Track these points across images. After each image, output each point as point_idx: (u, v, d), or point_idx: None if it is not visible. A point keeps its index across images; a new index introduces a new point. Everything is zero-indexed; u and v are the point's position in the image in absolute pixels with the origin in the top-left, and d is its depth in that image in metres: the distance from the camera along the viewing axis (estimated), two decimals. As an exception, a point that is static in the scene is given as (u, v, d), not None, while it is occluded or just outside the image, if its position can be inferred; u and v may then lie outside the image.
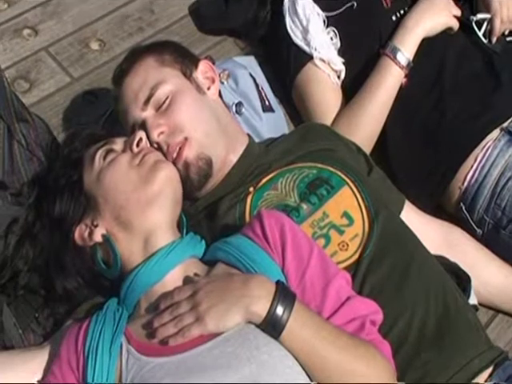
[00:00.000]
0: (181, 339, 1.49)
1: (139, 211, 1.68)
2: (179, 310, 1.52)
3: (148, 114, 1.94)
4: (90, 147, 1.81)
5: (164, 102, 1.94)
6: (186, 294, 1.54)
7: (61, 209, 1.76)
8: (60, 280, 1.78)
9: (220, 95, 2.15)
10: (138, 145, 1.78)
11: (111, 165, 1.74)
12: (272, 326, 1.48)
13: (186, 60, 2.06)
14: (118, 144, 1.81)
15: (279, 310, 1.47)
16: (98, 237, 1.72)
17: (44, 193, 1.85)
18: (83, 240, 1.74)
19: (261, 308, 1.48)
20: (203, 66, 2.10)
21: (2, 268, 1.83)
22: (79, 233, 1.74)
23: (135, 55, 2.05)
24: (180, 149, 1.90)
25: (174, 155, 1.90)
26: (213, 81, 2.09)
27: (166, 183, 1.71)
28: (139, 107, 1.95)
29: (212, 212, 1.92)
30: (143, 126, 1.93)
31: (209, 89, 2.06)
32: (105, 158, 1.76)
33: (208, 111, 2.00)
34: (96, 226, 1.72)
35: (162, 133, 1.91)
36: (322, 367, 1.49)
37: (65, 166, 1.82)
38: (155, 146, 1.90)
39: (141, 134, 1.82)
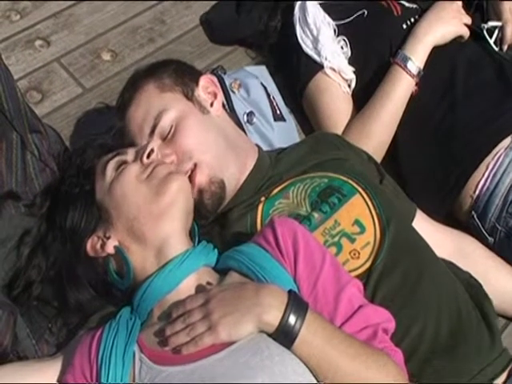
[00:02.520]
0: (193, 348, 1.50)
1: (152, 223, 1.69)
2: (191, 319, 1.52)
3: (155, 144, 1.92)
4: (102, 157, 1.82)
5: (169, 130, 1.93)
6: (199, 303, 1.54)
7: (73, 220, 1.76)
8: (72, 292, 1.78)
9: (232, 105, 2.15)
10: (148, 156, 1.78)
11: (121, 176, 1.74)
12: (284, 336, 1.48)
13: (186, 79, 2.04)
14: (130, 154, 1.81)
15: (291, 320, 1.47)
16: (110, 248, 1.72)
17: (56, 203, 1.85)
18: (95, 252, 1.74)
19: (273, 317, 1.48)
20: (204, 81, 2.09)
21: (15, 278, 1.84)
22: (91, 244, 1.75)
23: (136, 83, 2.04)
24: (191, 176, 1.90)
25: None
26: (215, 95, 2.08)
27: (178, 194, 1.71)
28: (145, 139, 1.94)
29: (223, 221, 1.92)
30: None
31: (212, 105, 2.05)
32: (116, 169, 1.76)
33: (214, 131, 1.99)
34: (108, 238, 1.72)
35: (171, 162, 1.89)
36: (334, 375, 1.48)
37: (77, 175, 1.82)
38: None
39: (152, 144, 1.83)
